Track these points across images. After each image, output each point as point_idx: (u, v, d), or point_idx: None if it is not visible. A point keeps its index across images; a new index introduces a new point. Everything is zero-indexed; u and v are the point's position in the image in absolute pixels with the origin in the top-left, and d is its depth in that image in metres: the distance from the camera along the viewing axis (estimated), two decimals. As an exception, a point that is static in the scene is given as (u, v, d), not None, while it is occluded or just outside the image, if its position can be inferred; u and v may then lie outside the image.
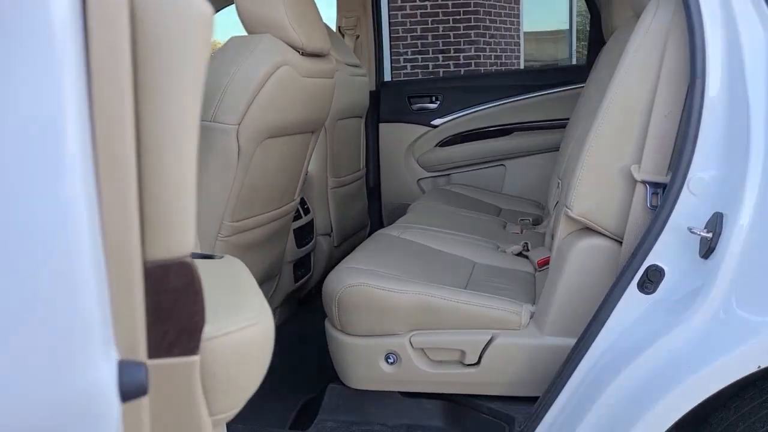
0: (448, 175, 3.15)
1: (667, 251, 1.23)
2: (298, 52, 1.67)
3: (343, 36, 2.99)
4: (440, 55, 7.54)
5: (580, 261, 1.42)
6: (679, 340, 1.16)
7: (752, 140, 1.13)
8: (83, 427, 0.36)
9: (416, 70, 7.57)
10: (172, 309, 0.45)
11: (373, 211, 3.15)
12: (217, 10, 3.09)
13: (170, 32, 0.45)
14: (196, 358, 0.49)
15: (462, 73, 7.54)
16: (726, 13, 1.18)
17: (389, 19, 7.51)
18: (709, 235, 1.15)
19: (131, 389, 0.38)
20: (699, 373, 1.11)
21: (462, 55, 7.53)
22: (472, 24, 7.48)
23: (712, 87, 1.18)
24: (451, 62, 7.55)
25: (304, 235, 2.33)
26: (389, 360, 1.53)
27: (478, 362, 1.49)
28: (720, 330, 1.13)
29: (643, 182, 1.32)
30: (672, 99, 1.29)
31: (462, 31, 7.47)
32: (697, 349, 1.14)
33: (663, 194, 1.26)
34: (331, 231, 2.57)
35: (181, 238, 0.45)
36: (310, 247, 2.39)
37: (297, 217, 2.30)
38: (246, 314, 0.56)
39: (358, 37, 2.99)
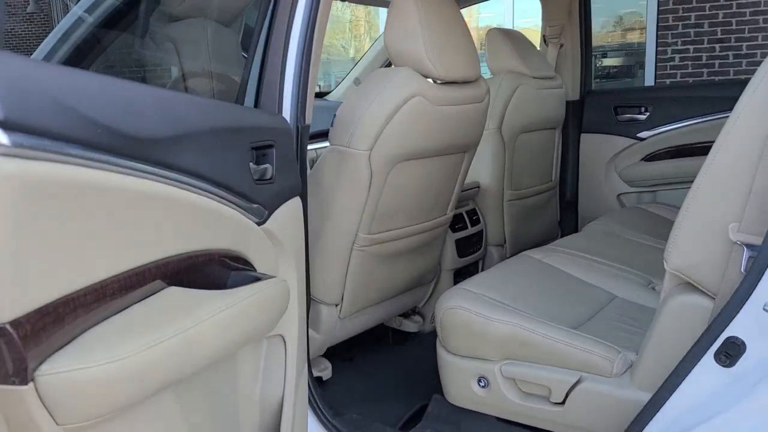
0: (654, 192, 2.94)
1: (748, 325, 1.10)
2: (436, 82, 1.78)
3: (547, 45, 2.97)
4: (717, 45, 6.75)
5: (674, 316, 1.32)
6: (736, 420, 1.05)
7: None
8: None
9: (686, 62, 6.90)
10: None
11: (569, 224, 3.09)
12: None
13: None
14: (25, 387, 0.70)
15: (743, 65, 6.68)
16: None
17: (658, 6, 6.95)
18: (786, 316, 1.02)
19: None
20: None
21: (745, 44, 6.65)
22: (762, 8, 6.55)
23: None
24: (730, 53, 6.72)
25: (469, 245, 2.44)
26: (480, 383, 1.59)
27: (563, 402, 1.48)
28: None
29: (740, 243, 1.18)
30: None
31: (747, 18, 6.58)
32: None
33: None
34: (504, 242, 2.62)
35: None
36: (476, 256, 2.49)
37: (462, 227, 2.41)
38: (95, 356, 0.76)
39: (562, 45, 2.94)
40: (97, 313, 0.81)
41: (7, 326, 0.68)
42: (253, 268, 1.25)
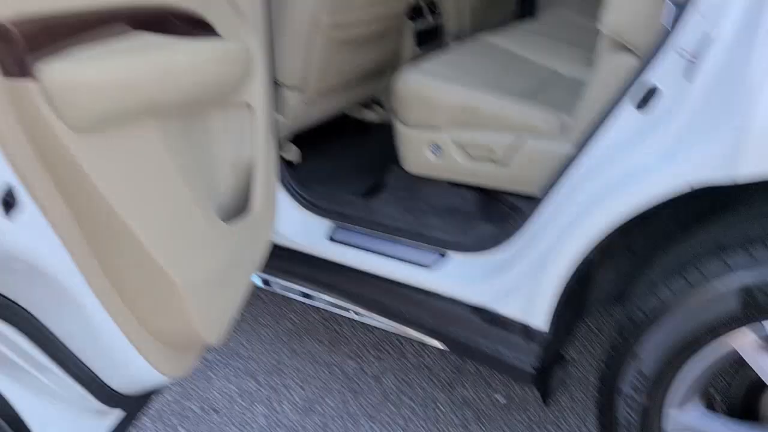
0: None
1: (663, 72, 1.24)
2: None
3: None
4: None
5: (604, 75, 1.45)
6: (641, 154, 1.23)
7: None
8: None
9: None
10: None
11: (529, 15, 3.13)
12: None
13: None
14: (31, 83, 0.83)
15: None
16: None
17: None
18: (694, 58, 1.15)
19: None
20: (645, 181, 1.19)
21: None
22: None
23: None
24: None
25: (428, 37, 2.49)
26: (433, 150, 1.75)
27: (506, 161, 1.66)
28: (674, 147, 1.17)
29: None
30: None
31: None
32: (653, 164, 1.20)
33: (680, 13, 1.23)
34: (464, 34, 2.68)
35: None
36: (435, 45, 2.56)
37: (420, 17, 2.45)
38: (87, 67, 0.89)
39: None
40: (82, 37, 0.90)
41: (7, 24, 0.79)
42: (217, 32, 1.32)
